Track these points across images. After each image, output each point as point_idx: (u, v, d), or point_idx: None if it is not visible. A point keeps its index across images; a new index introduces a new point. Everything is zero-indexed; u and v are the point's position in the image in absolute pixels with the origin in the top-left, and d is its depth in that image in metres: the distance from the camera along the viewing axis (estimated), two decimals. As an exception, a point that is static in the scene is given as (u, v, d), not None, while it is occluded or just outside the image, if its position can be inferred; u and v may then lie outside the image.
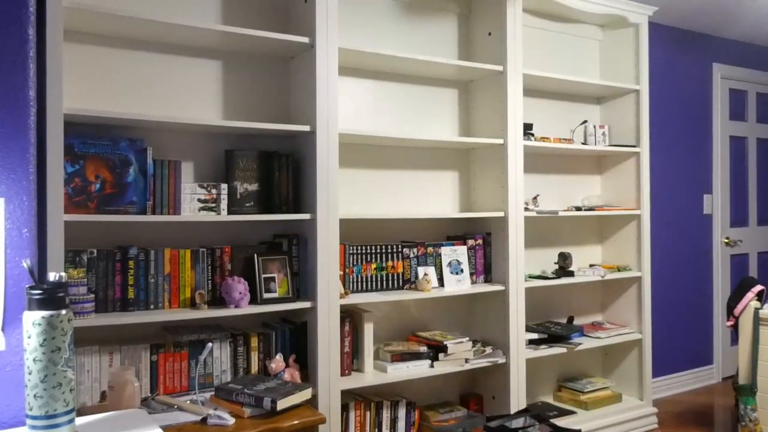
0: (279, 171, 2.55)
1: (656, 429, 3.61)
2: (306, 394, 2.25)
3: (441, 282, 2.96)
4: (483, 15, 3.20)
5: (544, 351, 3.17)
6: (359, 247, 2.77)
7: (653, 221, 4.01)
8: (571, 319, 3.52)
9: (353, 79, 2.94)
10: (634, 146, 3.59)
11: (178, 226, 2.47)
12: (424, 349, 2.84)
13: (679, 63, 4.36)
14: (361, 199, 2.95)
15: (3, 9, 1.35)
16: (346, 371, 2.66)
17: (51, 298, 1.23)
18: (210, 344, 2.22)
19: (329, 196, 2.53)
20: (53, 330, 1.21)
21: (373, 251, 2.80)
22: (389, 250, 2.84)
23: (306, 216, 2.52)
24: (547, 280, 3.25)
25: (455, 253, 3.01)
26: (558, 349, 3.21)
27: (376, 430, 2.76)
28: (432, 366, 2.83)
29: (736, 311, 3.24)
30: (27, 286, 1.25)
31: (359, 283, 2.77)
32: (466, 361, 2.91)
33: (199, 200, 2.40)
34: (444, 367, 2.84)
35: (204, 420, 2.06)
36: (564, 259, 3.39)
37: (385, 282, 2.83)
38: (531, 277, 3.30)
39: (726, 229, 4.65)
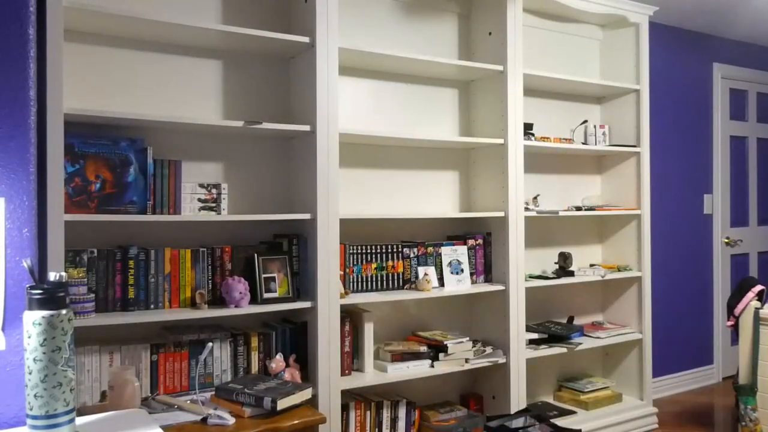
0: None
1: (656, 429, 3.61)
2: (306, 394, 2.25)
3: (441, 282, 2.96)
4: (483, 15, 3.20)
5: (545, 351, 3.17)
6: (359, 247, 2.77)
7: (653, 221, 4.01)
8: (571, 319, 3.52)
9: (353, 79, 2.94)
10: (634, 146, 3.59)
11: (178, 226, 2.47)
12: (424, 349, 2.84)
13: (679, 63, 4.36)
14: (361, 199, 2.95)
15: (3, 9, 1.35)
16: (347, 371, 2.66)
17: (51, 297, 1.23)
18: (210, 344, 2.22)
19: (329, 196, 2.53)
20: (53, 330, 1.21)
21: (373, 251, 2.80)
22: (389, 250, 2.84)
23: (306, 216, 2.52)
24: (547, 280, 3.25)
25: (455, 253, 3.01)
26: (558, 349, 3.21)
27: (377, 429, 2.76)
28: (432, 366, 2.83)
29: (737, 311, 3.24)
30: (27, 285, 1.25)
31: (359, 283, 2.77)
32: (466, 361, 2.91)
33: (199, 200, 2.40)
34: (444, 367, 2.84)
35: (204, 420, 2.06)
36: (564, 259, 3.39)
37: (385, 282, 2.83)
38: (531, 277, 3.30)
39: (726, 229, 4.65)
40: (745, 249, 4.76)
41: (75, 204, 2.16)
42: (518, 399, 3.05)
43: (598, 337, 3.41)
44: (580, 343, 3.30)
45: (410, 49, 3.09)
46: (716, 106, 4.57)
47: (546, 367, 3.51)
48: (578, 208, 3.48)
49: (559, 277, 3.33)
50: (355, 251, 2.75)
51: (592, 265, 3.62)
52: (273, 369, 2.40)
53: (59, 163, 2.02)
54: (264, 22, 2.66)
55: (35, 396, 1.20)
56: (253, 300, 2.44)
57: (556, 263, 3.42)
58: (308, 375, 2.55)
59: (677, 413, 3.89)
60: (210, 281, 2.42)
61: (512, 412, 2.99)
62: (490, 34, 3.15)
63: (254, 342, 2.47)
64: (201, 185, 2.41)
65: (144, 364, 2.26)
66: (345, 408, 2.65)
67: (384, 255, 2.83)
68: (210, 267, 2.42)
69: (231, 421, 2.05)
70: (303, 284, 2.59)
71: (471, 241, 3.08)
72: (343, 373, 2.62)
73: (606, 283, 3.70)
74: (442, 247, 2.98)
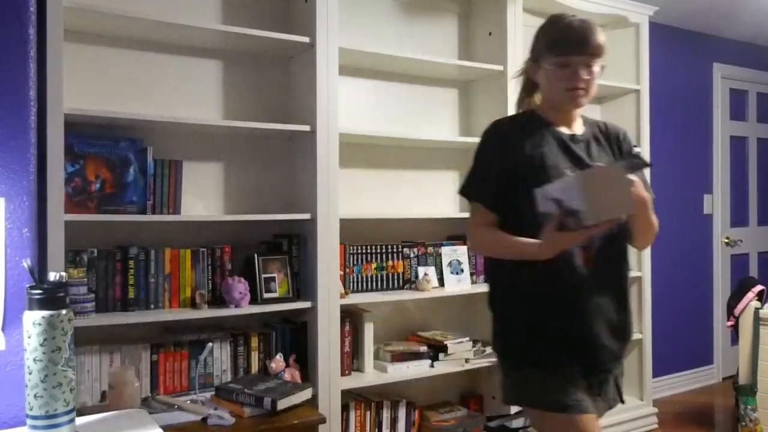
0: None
1: (656, 429, 3.61)
2: (306, 394, 2.25)
3: (441, 282, 2.95)
4: (483, 15, 3.20)
5: (544, 351, 3.16)
6: (359, 247, 2.77)
7: (653, 221, 4.00)
8: (571, 319, 3.51)
9: (353, 79, 2.93)
10: (634, 146, 3.58)
11: (178, 226, 2.47)
12: (424, 349, 2.84)
13: (679, 63, 4.36)
14: (361, 199, 2.95)
15: (3, 9, 1.35)
16: (346, 371, 2.66)
17: (51, 297, 1.22)
18: (210, 344, 2.22)
19: (329, 196, 2.53)
20: (53, 330, 1.21)
21: (373, 251, 2.80)
22: (389, 250, 2.84)
23: (306, 216, 2.52)
24: (547, 280, 3.24)
25: (455, 253, 3.01)
26: (558, 349, 3.21)
27: (377, 430, 2.76)
28: (432, 366, 2.83)
29: (737, 311, 3.24)
30: (27, 285, 1.25)
31: (359, 283, 2.77)
32: (467, 361, 2.91)
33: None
34: (444, 367, 2.84)
35: (204, 420, 2.06)
36: (564, 259, 3.38)
37: (385, 282, 2.83)
38: (531, 277, 3.29)
39: (726, 229, 4.64)
40: (745, 249, 4.75)
41: (75, 204, 2.16)
42: (518, 399, 3.05)
43: (598, 337, 3.40)
44: (580, 343, 3.29)
45: (410, 49, 3.08)
46: (716, 106, 4.57)
47: (546, 367, 3.50)
48: (578, 208, 3.47)
49: (559, 277, 3.32)
50: (355, 251, 2.75)
51: (592, 265, 3.61)
52: (273, 369, 2.40)
53: (59, 163, 2.02)
54: (264, 22, 2.66)
55: (35, 396, 1.20)
56: (253, 300, 2.44)
57: (556, 263, 3.41)
58: (308, 375, 2.54)
59: (677, 413, 3.89)
60: (210, 281, 2.42)
61: (512, 412, 2.99)
62: (490, 34, 3.15)
63: (254, 342, 2.47)
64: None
65: (144, 364, 2.26)
66: (345, 408, 2.65)
67: (384, 255, 2.83)
68: (210, 267, 2.42)
69: (231, 421, 2.05)
70: (303, 284, 2.59)
71: (471, 241, 3.07)
72: (343, 373, 2.62)
73: (606, 283, 3.70)
74: (442, 247, 2.98)
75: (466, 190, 1.73)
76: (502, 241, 1.64)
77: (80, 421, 1.34)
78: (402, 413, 2.83)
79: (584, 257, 1.64)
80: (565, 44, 1.68)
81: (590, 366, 1.66)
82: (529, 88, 1.81)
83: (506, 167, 1.66)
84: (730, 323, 3.31)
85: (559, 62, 1.66)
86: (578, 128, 1.76)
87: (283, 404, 2.12)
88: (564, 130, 1.72)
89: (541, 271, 1.59)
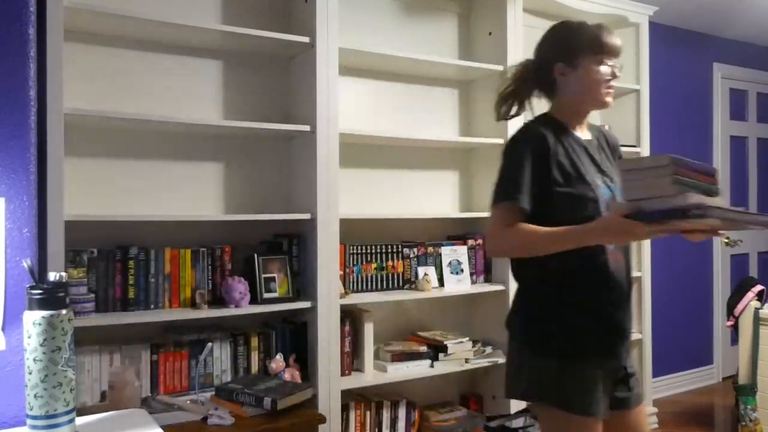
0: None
1: (656, 429, 3.61)
2: (306, 394, 2.26)
3: (441, 282, 2.95)
4: (483, 15, 3.20)
5: (544, 351, 3.16)
6: (359, 247, 2.77)
7: (653, 221, 4.00)
8: (571, 319, 3.51)
9: (353, 79, 2.93)
10: (634, 146, 3.59)
11: (178, 226, 2.46)
12: (424, 349, 2.84)
13: (679, 63, 4.36)
14: (361, 199, 2.95)
15: (3, 8, 1.35)
16: (347, 371, 2.66)
17: (51, 297, 1.22)
18: (210, 344, 2.22)
19: (329, 196, 2.53)
20: (53, 330, 1.21)
21: (373, 251, 2.80)
22: (389, 250, 2.84)
23: (306, 216, 2.52)
24: (547, 280, 3.24)
25: (455, 253, 3.01)
26: (558, 349, 3.21)
27: (377, 430, 2.76)
28: (432, 366, 2.83)
29: (737, 311, 3.24)
30: (27, 285, 1.25)
31: (359, 283, 2.77)
32: (466, 361, 2.91)
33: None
34: (444, 367, 2.84)
35: (204, 420, 2.06)
36: (564, 259, 3.38)
37: (385, 282, 2.83)
38: (531, 277, 3.29)
39: (726, 229, 4.64)
40: (745, 249, 4.75)
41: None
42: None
43: (598, 337, 3.40)
44: (580, 343, 3.29)
45: (410, 49, 3.08)
46: (716, 106, 4.57)
47: (546, 367, 3.50)
48: (578, 208, 3.47)
49: (559, 277, 3.32)
50: (355, 251, 2.75)
51: (592, 265, 3.61)
52: (273, 369, 2.40)
53: (59, 163, 2.02)
54: (264, 22, 2.66)
55: (35, 396, 1.20)
56: (253, 300, 2.44)
57: (556, 263, 3.41)
58: (308, 375, 2.54)
59: (677, 413, 3.89)
60: (210, 281, 2.42)
61: (512, 412, 2.99)
62: (490, 34, 3.15)
63: (254, 342, 2.47)
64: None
65: (144, 364, 2.26)
66: (345, 408, 2.65)
67: (384, 255, 2.83)
68: (210, 267, 2.42)
69: (231, 421, 2.05)
70: (303, 284, 2.59)
71: (471, 241, 3.08)
72: (343, 373, 2.62)
73: (606, 283, 3.69)
74: (442, 247, 2.98)
75: (501, 192, 1.63)
76: (544, 231, 1.57)
77: (80, 421, 1.34)
78: (402, 413, 2.83)
79: (616, 257, 1.72)
80: (606, 45, 1.70)
81: (610, 368, 1.69)
82: (547, 90, 1.79)
83: (543, 172, 1.62)
84: (730, 323, 3.31)
85: (600, 62, 1.68)
86: (586, 133, 1.77)
87: (283, 404, 2.12)
88: (579, 134, 1.73)
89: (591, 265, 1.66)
